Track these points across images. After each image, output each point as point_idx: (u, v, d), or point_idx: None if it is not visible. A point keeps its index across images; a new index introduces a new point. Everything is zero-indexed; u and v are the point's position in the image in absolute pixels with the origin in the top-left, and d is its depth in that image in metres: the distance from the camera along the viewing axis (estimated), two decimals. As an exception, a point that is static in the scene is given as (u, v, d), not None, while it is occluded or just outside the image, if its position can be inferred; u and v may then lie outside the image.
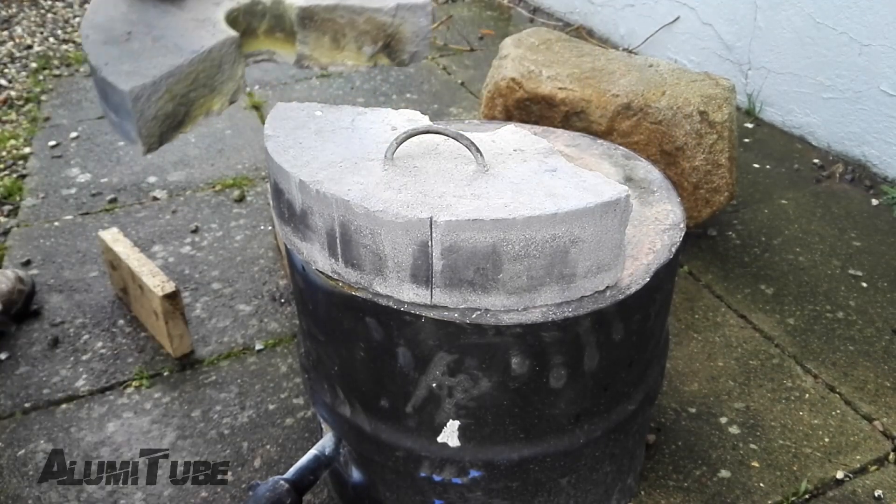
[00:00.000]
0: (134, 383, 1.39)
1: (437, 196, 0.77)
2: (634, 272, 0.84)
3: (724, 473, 1.19)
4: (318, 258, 0.85)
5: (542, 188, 0.79)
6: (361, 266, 0.80)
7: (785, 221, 1.85)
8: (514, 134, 0.93)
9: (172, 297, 1.35)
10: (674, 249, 0.87)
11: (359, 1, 1.15)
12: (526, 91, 1.64)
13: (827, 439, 1.25)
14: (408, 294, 0.80)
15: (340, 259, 0.82)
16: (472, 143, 0.83)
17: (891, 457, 1.22)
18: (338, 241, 0.81)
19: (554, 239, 0.76)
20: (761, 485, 1.17)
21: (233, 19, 1.18)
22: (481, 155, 0.83)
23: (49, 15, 3.52)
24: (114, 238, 1.52)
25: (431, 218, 0.74)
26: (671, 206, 0.96)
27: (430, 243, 0.75)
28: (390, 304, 0.79)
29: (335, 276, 0.84)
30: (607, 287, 0.82)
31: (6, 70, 2.90)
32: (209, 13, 1.15)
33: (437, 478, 0.91)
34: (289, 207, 0.86)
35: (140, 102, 1.04)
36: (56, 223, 1.90)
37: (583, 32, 3.01)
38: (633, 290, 0.81)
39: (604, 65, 1.66)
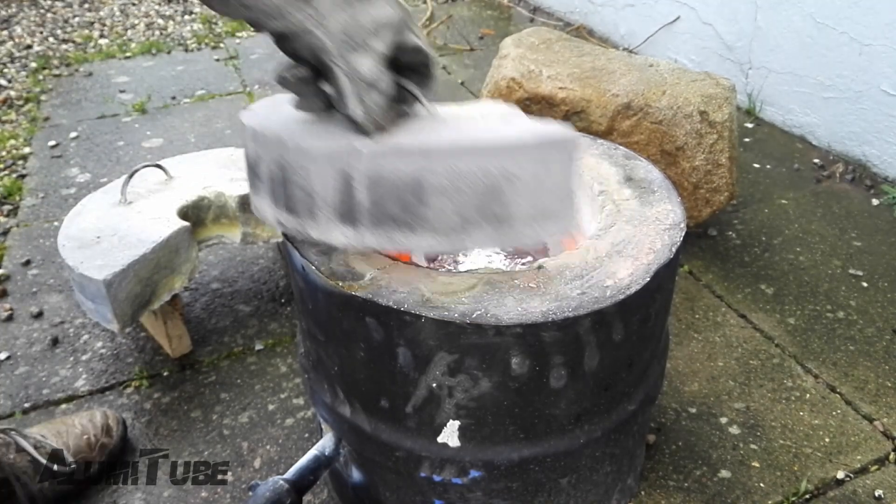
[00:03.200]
0: (134, 383, 1.39)
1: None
2: (635, 272, 0.84)
3: (725, 473, 1.19)
4: (266, 211, 0.83)
5: (487, 131, 0.74)
6: (297, 210, 0.77)
7: (785, 221, 1.85)
8: (488, 104, 0.87)
9: (171, 298, 1.35)
10: (674, 249, 0.87)
11: None
12: (526, 91, 1.64)
13: (827, 439, 1.25)
14: (337, 236, 0.76)
15: (282, 206, 0.79)
16: (419, 90, 0.77)
17: (891, 457, 1.22)
18: (278, 184, 0.78)
19: (485, 173, 0.71)
20: (762, 485, 1.17)
21: (183, 214, 1.38)
22: (432, 105, 0.77)
23: (49, 15, 3.52)
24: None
25: (354, 146, 0.71)
26: (671, 205, 0.96)
27: (354, 175, 0.72)
28: (390, 303, 0.79)
29: (280, 227, 0.83)
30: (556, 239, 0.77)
31: (6, 70, 2.90)
32: (163, 212, 1.36)
33: (437, 478, 0.91)
34: (249, 168, 0.84)
35: (112, 288, 1.20)
36: (56, 223, 1.90)
37: (583, 32, 3.01)
38: (633, 290, 0.81)
39: (604, 64, 1.66)
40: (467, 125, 0.77)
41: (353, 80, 0.70)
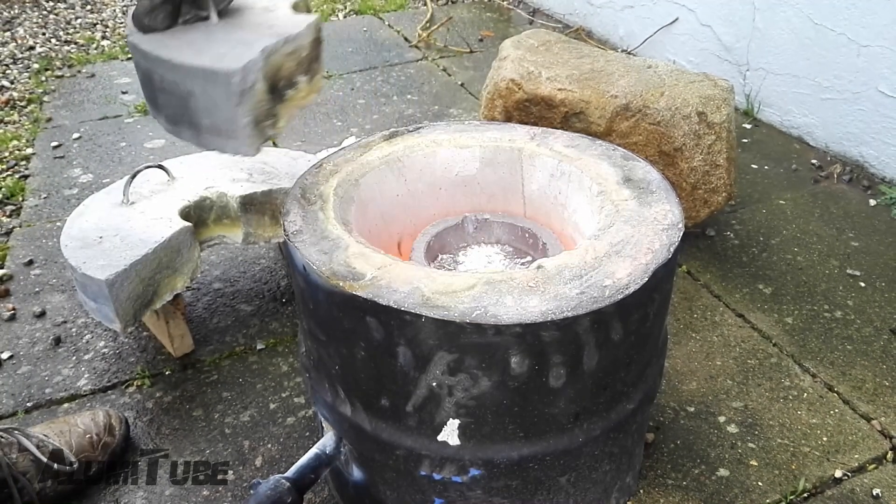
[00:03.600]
0: (136, 383, 1.40)
1: (166, 33, 1.01)
2: (633, 272, 0.84)
3: (723, 472, 1.19)
4: None
5: (213, 46, 0.96)
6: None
7: (783, 221, 1.86)
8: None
9: (174, 298, 1.36)
10: (672, 249, 0.88)
11: (290, 183, 1.26)
12: (525, 92, 1.65)
13: (825, 438, 1.25)
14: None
15: None
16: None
17: (889, 456, 1.22)
18: None
19: (174, 84, 0.94)
20: (760, 483, 1.17)
21: (185, 214, 1.39)
22: (213, 9, 1.01)
23: (51, 16, 3.53)
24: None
25: (129, 38, 1.00)
26: (670, 206, 0.96)
27: (134, 59, 1.01)
28: (391, 303, 0.80)
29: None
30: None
31: (8, 71, 2.91)
32: (165, 212, 1.37)
33: (437, 476, 0.92)
34: None
35: (115, 288, 1.21)
36: (58, 223, 1.91)
37: (582, 34, 3.02)
38: (631, 289, 0.82)
39: (603, 66, 1.67)
40: (215, 40, 0.97)
41: None
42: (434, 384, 0.84)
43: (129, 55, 3.02)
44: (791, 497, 1.15)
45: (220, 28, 0.99)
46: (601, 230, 0.93)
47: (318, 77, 1.05)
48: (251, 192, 1.43)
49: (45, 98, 2.66)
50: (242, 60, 0.89)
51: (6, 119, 2.51)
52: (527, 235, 1.12)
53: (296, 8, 1.09)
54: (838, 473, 1.19)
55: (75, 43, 3.21)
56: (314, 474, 1.01)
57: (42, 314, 1.59)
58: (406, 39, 3.11)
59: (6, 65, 2.96)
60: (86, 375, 1.42)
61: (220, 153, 1.00)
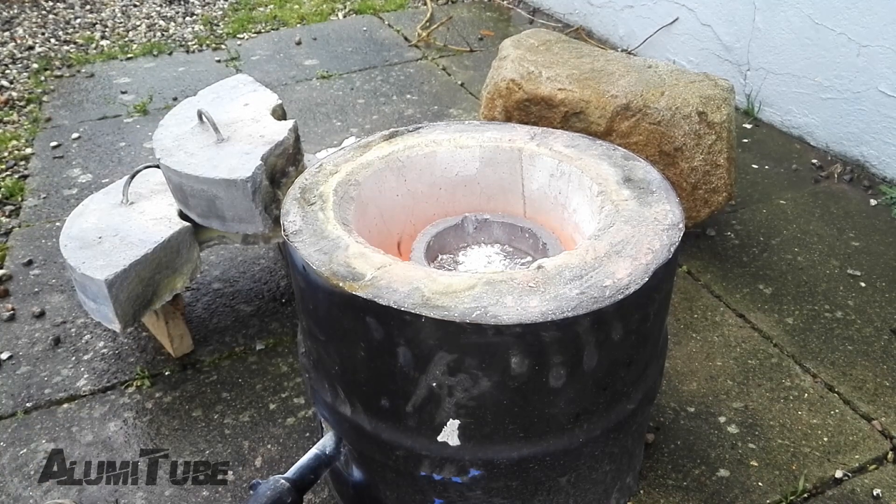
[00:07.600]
0: (135, 383, 1.40)
1: (187, 153, 1.30)
2: (633, 272, 0.84)
3: (723, 472, 1.19)
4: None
5: (225, 160, 1.26)
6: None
7: (783, 221, 1.86)
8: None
9: (173, 298, 1.36)
10: (672, 249, 0.88)
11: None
12: (525, 92, 1.65)
13: (826, 438, 1.25)
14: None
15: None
16: (215, 125, 1.32)
17: (889, 456, 1.22)
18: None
19: (203, 191, 1.25)
20: (760, 484, 1.17)
21: (184, 214, 1.38)
22: (218, 132, 1.32)
23: (50, 16, 3.53)
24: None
25: (160, 160, 1.30)
26: (670, 206, 0.96)
27: (162, 173, 1.34)
28: (391, 304, 0.80)
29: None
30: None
31: (7, 71, 2.90)
32: (165, 213, 1.38)
33: (437, 477, 0.92)
34: None
35: (114, 288, 1.22)
36: (58, 223, 1.91)
37: (582, 33, 3.02)
38: (631, 289, 0.82)
39: (603, 66, 1.67)
40: (225, 156, 1.28)
41: None
42: (434, 384, 0.84)
43: (129, 55, 3.03)
44: (791, 497, 1.15)
45: (226, 143, 1.31)
46: (601, 230, 0.93)
47: (302, 165, 1.36)
48: None
49: (45, 98, 2.66)
50: (250, 170, 1.22)
51: (5, 119, 2.51)
52: (527, 235, 1.12)
53: (274, 114, 1.39)
54: (839, 474, 1.19)
55: (74, 43, 3.20)
56: (314, 475, 1.01)
57: (41, 314, 1.58)
58: (406, 39, 3.11)
59: (5, 65, 2.96)
60: (85, 376, 1.42)
61: (239, 232, 1.31)
